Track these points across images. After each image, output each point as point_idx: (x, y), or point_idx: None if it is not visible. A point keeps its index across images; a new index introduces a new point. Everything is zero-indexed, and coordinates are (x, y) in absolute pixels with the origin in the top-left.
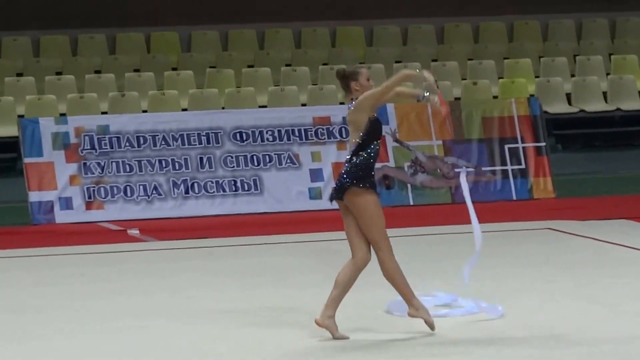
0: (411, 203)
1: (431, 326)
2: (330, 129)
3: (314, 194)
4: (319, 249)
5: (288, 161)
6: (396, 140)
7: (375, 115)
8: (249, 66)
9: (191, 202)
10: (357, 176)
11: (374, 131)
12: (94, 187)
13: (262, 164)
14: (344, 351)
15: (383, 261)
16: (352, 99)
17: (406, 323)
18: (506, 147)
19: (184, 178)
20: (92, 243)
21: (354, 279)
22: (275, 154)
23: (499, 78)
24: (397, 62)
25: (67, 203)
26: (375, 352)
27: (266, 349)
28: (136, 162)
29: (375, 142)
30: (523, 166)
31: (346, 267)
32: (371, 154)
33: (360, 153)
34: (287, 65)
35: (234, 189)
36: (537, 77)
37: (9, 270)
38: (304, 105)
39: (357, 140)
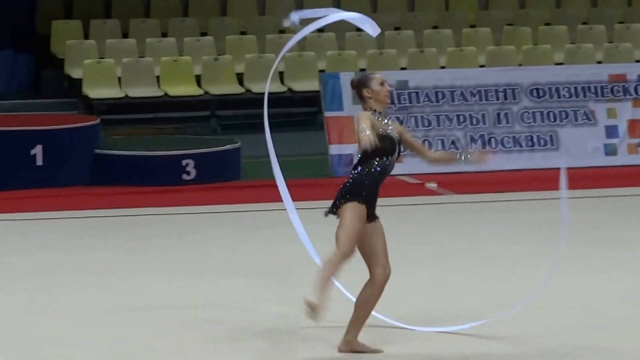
0: None
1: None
2: (626, 86)
3: (610, 150)
4: (609, 204)
5: (584, 117)
6: None
7: (384, 131)
8: (546, 24)
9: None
10: (350, 191)
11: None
12: None
13: (558, 120)
14: None
15: (329, 259)
16: (366, 109)
17: None
18: None
19: (482, 133)
20: (391, 196)
21: (375, 299)
22: (571, 110)
23: None
24: None
25: None
26: None
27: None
28: (435, 117)
29: (378, 159)
30: None
31: (364, 288)
32: (372, 170)
33: (363, 166)
34: (583, 23)
35: (530, 144)
36: None
37: (308, 222)
38: (599, 62)
39: (359, 153)
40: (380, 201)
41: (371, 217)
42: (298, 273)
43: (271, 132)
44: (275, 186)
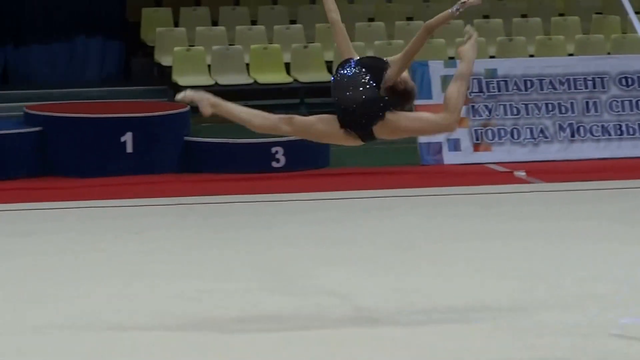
0: None
1: None
2: None
3: None
4: None
5: None
6: None
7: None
8: (636, 12)
9: (577, 145)
10: None
11: None
12: (481, 129)
13: None
14: None
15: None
16: None
17: None
18: None
19: (570, 122)
20: (479, 184)
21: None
22: None
23: None
24: None
25: (455, 145)
26: None
27: None
28: (523, 106)
29: None
30: None
31: None
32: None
33: None
34: None
35: (619, 133)
36: None
37: (394, 209)
38: None
39: None
40: (467, 189)
41: (365, 135)
42: (394, 262)
43: None
44: (363, 173)
